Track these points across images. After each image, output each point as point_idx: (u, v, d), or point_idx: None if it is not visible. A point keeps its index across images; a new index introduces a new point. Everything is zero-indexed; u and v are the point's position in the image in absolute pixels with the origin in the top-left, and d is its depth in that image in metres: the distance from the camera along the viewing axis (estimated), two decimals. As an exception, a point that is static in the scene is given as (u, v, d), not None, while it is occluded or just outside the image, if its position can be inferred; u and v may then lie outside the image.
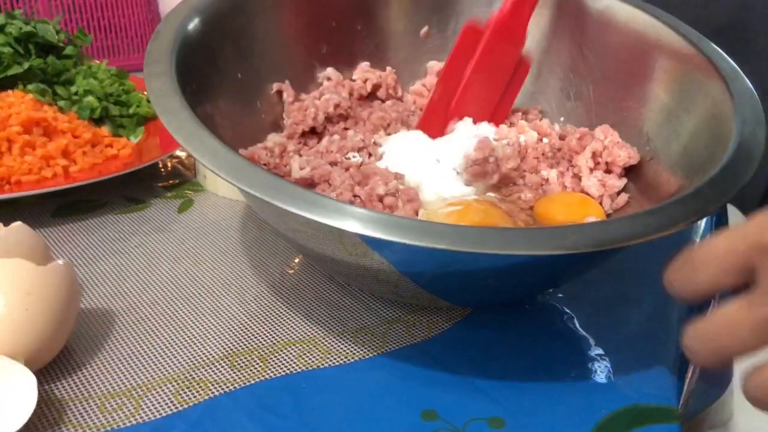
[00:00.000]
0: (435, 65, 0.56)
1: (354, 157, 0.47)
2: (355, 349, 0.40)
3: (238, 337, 0.40)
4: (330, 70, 0.54)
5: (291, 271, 0.47)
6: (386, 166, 0.47)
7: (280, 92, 0.52)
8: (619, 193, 0.48)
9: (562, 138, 0.51)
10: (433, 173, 0.47)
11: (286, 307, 0.43)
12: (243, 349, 0.39)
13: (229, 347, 0.39)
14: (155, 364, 0.38)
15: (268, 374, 0.37)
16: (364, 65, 0.55)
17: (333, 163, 0.47)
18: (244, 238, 0.51)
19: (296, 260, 0.48)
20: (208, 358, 0.38)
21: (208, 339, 0.40)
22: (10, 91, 0.59)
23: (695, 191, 0.36)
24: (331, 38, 0.54)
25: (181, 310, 0.42)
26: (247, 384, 0.37)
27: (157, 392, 0.36)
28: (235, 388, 0.36)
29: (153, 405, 0.35)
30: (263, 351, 0.39)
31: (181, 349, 0.39)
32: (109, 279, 0.45)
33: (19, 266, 0.34)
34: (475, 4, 0.55)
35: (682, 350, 0.32)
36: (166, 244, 0.50)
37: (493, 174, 0.46)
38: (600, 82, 0.52)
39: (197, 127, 0.36)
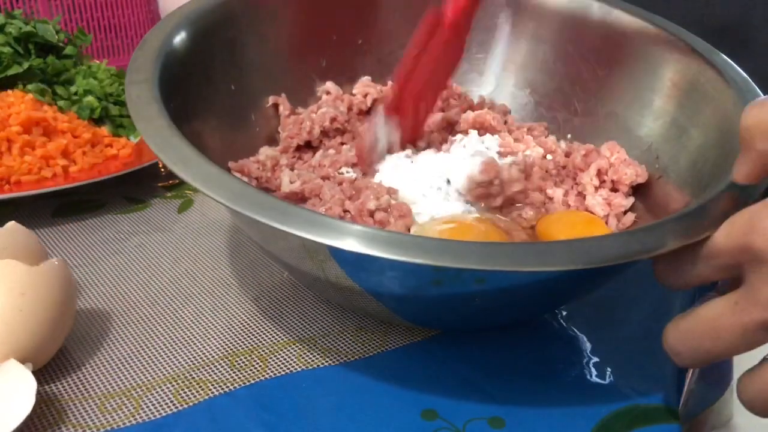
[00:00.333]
0: None
1: (347, 172, 0.46)
2: (355, 349, 0.40)
3: (238, 337, 0.40)
4: (329, 84, 0.53)
5: (291, 271, 0.47)
6: (380, 181, 0.45)
7: (276, 105, 0.51)
8: (625, 213, 0.46)
9: (567, 155, 0.49)
10: (431, 190, 0.45)
11: (286, 307, 0.43)
12: (243, 348, 0.39)
13: (229, 347, 0.39)
14: (155, 364, 0.38)
15: (267, 374, 0.37)
16: (365, 80, 0.54)
17: (325, 178, 0.46)
18: (244, 238, 0.51)
19: (296, 260, 0.48)
20: (207, 358, 0.38)
21: (208, 339, 0.40)
22: (9, 91, 0.59)
23: (696, 209, 0.33)
24: (332, 52, 0.53)
25: (181, 309, 0.42)
26: (247, 384, 0.37)
27: (157, 392, 0.36)
28: (235, 387, 0.36)
29: (153, 405, 0.35)
30: (263, 351, 0.39)
31: (180, 348, 0.39)
32: (109, 279, 0.45)
33: (12, 267, 0.34)
34: (480, 20, 0.53)
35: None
36: (165, 244, 0.50)
37: (497, 197, 0.45)
38: (607, 97, 0.51)
39: (173, 134, 0.35)
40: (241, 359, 0.38)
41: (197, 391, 0.36)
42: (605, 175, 0.47)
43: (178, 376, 0.37)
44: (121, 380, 0.36)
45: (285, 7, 0.51)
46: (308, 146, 0.50)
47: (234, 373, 0.37)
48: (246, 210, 0.30)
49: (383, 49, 0.54)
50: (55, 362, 0.37)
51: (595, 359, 0.40)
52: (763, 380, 0.30)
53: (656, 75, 0.48)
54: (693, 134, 0.44)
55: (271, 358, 0.39)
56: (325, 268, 0.35)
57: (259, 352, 0.39)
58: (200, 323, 0.41)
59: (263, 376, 0.37)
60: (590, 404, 0.36)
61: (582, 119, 0.52)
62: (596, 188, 0.47)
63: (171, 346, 0.39)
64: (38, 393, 0.32)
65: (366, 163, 0.47)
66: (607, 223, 0.46)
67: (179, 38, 0.43)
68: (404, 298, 0.36)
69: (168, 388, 0.36)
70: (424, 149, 0.49)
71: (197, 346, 0.39)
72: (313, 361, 0.39)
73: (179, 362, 0.38)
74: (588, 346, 0.41)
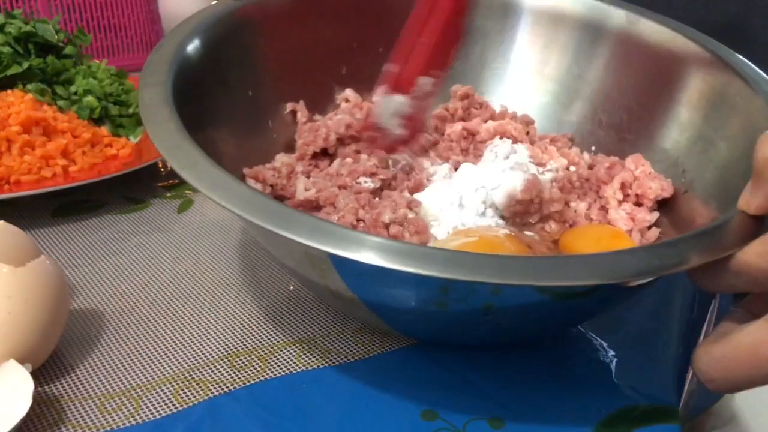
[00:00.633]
0: (459, 89, 0.54)
1: (366, 182, 0.45)
2: (355, 350, 0.39)
3: (237, 337, 0.40)
4: (348, 92, 0.52)
5: (291, 271, 0.47)
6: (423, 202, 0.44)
7: (294, 112, 0.51)
8: (650, 228, 0.45)
9: (591, 167, 0.48)
10: (464, 203, 0.43)
11: (286, 307, 0.43)
12: (243, 349, 0.39)
13: (228, 347, 0.39)
14: (155, 364, 0.38)
15: (267, 374, 0.37)
16: (384, 88, 0.52)
17: (342, 187, 0.45)
18: (244, 238, 0.51)
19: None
20: (207, 358, 0.38)
21: (208, 339, 0.40)
22: (9, 91, 0.59)
23: (720, 224, 0.32)
24: (352, 59, 0.53)
25: (181, 310, 0.42)
26: (247, 384, 0.37)
27: (157, 392, 0.36)
28: (234, 388, 0.36)
29: (153, 405, 0.35)
30: (263, 351, 0.39)
31: (180, 349, 0.39)
32: (108, 279, 0.45)
33: None
34: (493, 29, 0.54)
35: (691, 362, 0.31)
36: (165, 244, 0.50)
37: (535, 214, 0.44)
38: (633, 109, 0.49)
39: (182, 138, 0.34)
40: (241, 359, 0.38)
41: (197, 392, 0.36)
42: (629, 189, 0.46)
43: (178, 376, 0.37)
44: (120, 380, 0.36)
45: (304, 14, 0.51)
46: (325, 154, 0.49)
47: (234, 373, 0.37)
48: (254, 218, 0.30)
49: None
50: (54, 362, 0.37)
51: (596, 359, 0.40)
52: (722, 351, 0.29)
53: (683, 86, 0.47)
54: (720, 147, 0.42)
55: (271, 358, 0.39)
56: (327, 277, 0.34)
57: (259, 353, 0.39)
58: (200, 323, 0.41)
59: (263, 376, 0.37)
60: (591, 404, 0.36)
61: (606, 131, 0.51)
62: (620, 202, 0.46)
63: (171, 346, 0.39)
64: (37, 393, 0.32)
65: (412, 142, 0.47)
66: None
67: (195, 44, 0.43)
68: (410, 314, 0.35)
69: (168, 388, 0.36)
70: (453, 160, 0.48)
71: (197, 346, 0.39)
72: (313, 361, 0.38)
73: (179, 362, 0.38)
74: (588, 346, 0.41)
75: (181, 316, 0.42)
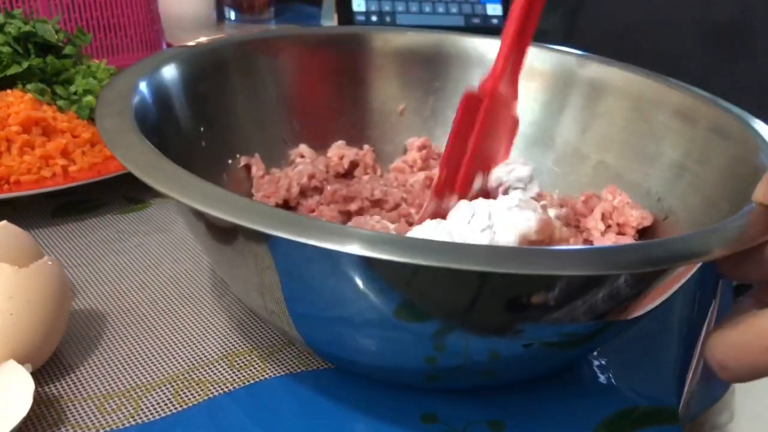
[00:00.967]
0: (415, 141, 0.53)
1: None
2: (354, 350, 0.39)
3: (237, 337, 0.40)
4: (303, 147, 0.51)
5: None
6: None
7: (248, 166, 0.49)
8: None
9: (561, 206, 0.47)
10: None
11: (286, 307, 0.43)
12: (242, 349, 0.39)
13: (228, 347, 0.39)
14: (154, 365, 0.38)
15: (267, 374, 0.37)
16: (340, 143, 0.52)
17: None
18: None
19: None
20: (207, 358, 0.38)
21: (208, 339, 0.40)
22: (9, 91, 0.59)
23: (731, 220, 0.31)
24: (305, 114, 0.51)
25: (181, 310, 0.42)
26: (247, 384, 0.37)
27: (157, 393, 0.36)
28: (234, 388, 0.36)
29: (152, 405, 0.35)
30: (262, 351, 0.39)
31: (180, 349, 0.39)
32: (108, 279, 0.45)
33: None
34: (452, 80, 0.54)
35: (692, 360, 0.31)
36: (165, 244, 0.50)
37: None
38: (594, 150, 0.49)
39: (157, 157, 0.33)
40: (240, 359, 0.38)
41: (197, 392, 0.36)
42: (610, 219, 0.45)
43: (178, 376, 0.37)
44: (120, 381, 0.36)
45: (256, 69, 0.50)
46: (286, 206, 0.47)
47: (233, 373, 0.37)
48: (262, 226, 0.27)
49: (357, 111, 0.52)
50: (54, 363, 0.37)
51: (595, 361, 0.40)
52: (739, 337, 0.28)
53: (645, 120, 0.47)
54: (698, 170, 0.42)
55: (270, 358, 0.39)
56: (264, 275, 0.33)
57: (258, 353, 0.39)
58: (200, 323, 0.41)
59: (263, 376, 0.37)
60: (590, 406, 0.36)
61: (567, 175, 0.50)
62: (602, 233, 0.45)
63: (170, 346, 0.39)
64: (37, 394, 0.32)
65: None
66: None
67: (150, 84, 0.41)
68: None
69: (167, 388, 0.36)
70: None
71: (197, 346, 0.39)
72: (313, 362, 0.38)
73: (179, 362, 0.38)
74: (588, 346, 0.41)
75: (180, 316, 0.42)
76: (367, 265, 0.28)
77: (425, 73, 0.54)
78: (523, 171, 0.46)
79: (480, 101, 0.45)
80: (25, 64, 0.61)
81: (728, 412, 0.46)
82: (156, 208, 0.55)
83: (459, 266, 0.25)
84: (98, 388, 0.36)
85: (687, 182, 0.43)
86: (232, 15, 1.21)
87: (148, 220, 0.53)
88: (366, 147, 0.53)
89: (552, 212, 0.44)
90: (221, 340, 0.40)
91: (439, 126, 0.53)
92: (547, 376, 0.38)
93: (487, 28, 0.93)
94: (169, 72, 0.43)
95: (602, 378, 0.39)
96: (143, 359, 0.38)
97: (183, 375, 0.37)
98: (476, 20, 0.94)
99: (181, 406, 0.35)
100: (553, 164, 0.51)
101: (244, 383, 0.37)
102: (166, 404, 0.35)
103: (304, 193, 0.48)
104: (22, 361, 0.33)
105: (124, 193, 0.56)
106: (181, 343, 0.39)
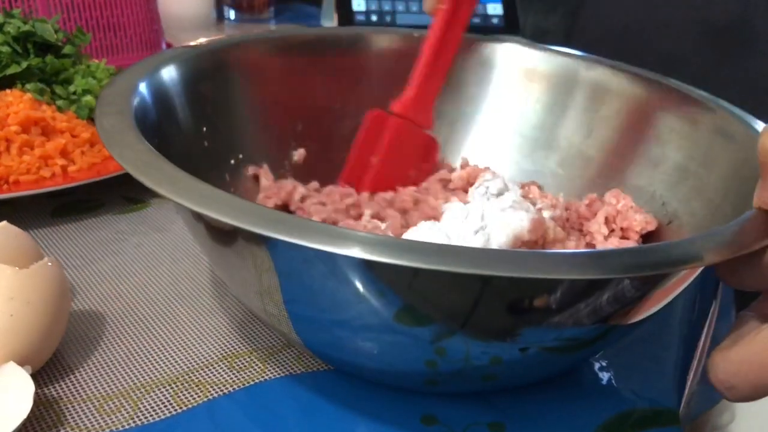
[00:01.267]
0: None
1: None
2: (354, 351, 0.39)
3: (237, 339, 0.40)
4: (302, 151, 0.51)
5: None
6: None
7: (256, 176, 0.48)
8: None
9: (567, 209, 0.47)
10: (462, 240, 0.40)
11: (286, 308, 0.43)
12: (242, 350, 0.39)
13: (228, 348, 0.39)
14: (154, 366, 0.38)
15: (267, 376, 0.37)
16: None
17: None
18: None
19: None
20: (207, 360, 0.38)
21: (207, 340, 0.40)
22: (8, 91, 0.59)
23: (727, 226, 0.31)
24: (308, 114, 0.51)
25: (180, 310, 0.42)
26: (247, 385, 0.37)
27: (156, 394, 0.36)
28: (234, 389, 0.36)
29: (152, 407, 0.35)
30: (262, 352, 0.39)
31: (179, 350, 0.39)
32: (107, 279, 0.45)
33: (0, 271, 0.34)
34: (457, 82, 0.53)
35: (693, 362, 0.30)
36: (165, 244, 0.49)
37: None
38: (600, 153, 0.49)
39: (155, 157, 0.32)
40: (240, 361, 0.38)
41: (196, 393, 0.36)
42: (613, 223, 0.45)
43: (177, 377, 0.37)
44: (119, 382, 0.36)
45: (259, 68, 0.50)
46: (285, 210, 0.47)
47: (233, 374, 0.37)
48: (261, 228, 0.27)
49: (360, 114, 0.51)
50: (53, 364, 0.37)
51: (596, 363, 0.40)
52: (741, 355, 0.27)
53: (651, 124, 0.47)
54: (702, 174, 0.42)
55: (270, 359, 0.39)
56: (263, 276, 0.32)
57: (258, 354, 0.39)
58: (199, 324, 0.41)
59: (263, 377, 0.37)
60: (591, 408, 0.36)
61: (572, 178, 0.50)
62: (605, 237, 0.45)
63: (170, 347, 0.39)
64: (36, 395, 0.32)
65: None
66: None
67: (150, 83, 0.41)
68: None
69: (167, 390, 0.36)
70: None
71: (196, 347, 0.39)
72: (312, 364, 0.38)
73: (178, 364, 0.38)
74: (588, 348, 0.41)
75: (180, 317, 0.42)
76: (366, 267, 0.28)
77: None
78: (496, 183, 0.45)
79: (387, 121, 0.47)
80: (25, 64, 0.61)
81: (729, 412, 0.46)
82: (155, 208, 0.55)
83: (447, 268, 0.25)
84: (98, 390, 0.36)
85: (691, 186, 0.43)
86: (232, 15, 1.21)
87: (147, 220, 0.53)
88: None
89: (547, 213, 0.43)
90: (221, 341, 0.40)
91: (444, 126, 0.53)
92: (548, 379, 0.38)
93: (487, 28, 0.93)
94: (170, 72, 0.43)
95: (602, 380, 0.39)
96: (143, 360, 0.38)
97: (183, 376, 0.37)
98: (476, 20, 0.94)
99: (180, 408, 0.35)
100: (557, 167, 0.51)
101: (243, 385, 0.37)
102: (165, 405, 0.35)
103: (304, 199, 0.47)
104: (22, 363, 0.33)
105: (123, 193, 0.56)
106: (180, 344, 0.39)
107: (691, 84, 0.47)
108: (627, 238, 0.44)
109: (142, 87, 0.40)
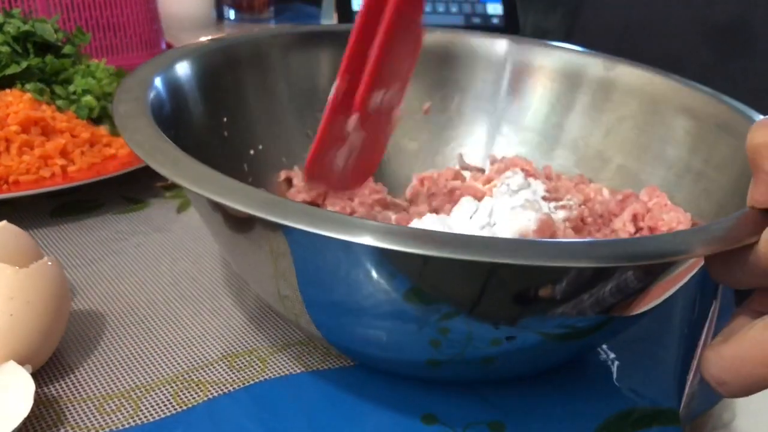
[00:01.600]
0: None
1: None
2: (355, 351, 0.39)
3: (237, 338, 0.40)
4: None
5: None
6: None
7: (288, 180, 0.49)
8: None
9: (600, 203, 0.46)
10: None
11: (286, 307, 0.43)
12: (242, 350, 0.39)
13: (228, 348, 0.39)
14: (154, 366, 0.38)
15: (267, 375, 0.37)
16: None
17: None
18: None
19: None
20: (207, 359, 0.38)
21: (207, 340, 0.40)
22: (8, 91, 0.59)
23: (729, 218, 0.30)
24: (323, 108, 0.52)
25: (180, 310, 0.42)
26: (247, 385, 0.37)
27: (156, 393, 0.36)
28: (234, 389, 0.36)
29: (152, 406, 0.35)
30: (262, 352, 0.39)
31: (180, 350, 0.39)
32: (107, 279, 0.45)
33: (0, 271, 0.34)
34: (473, 78, 0.54)
35: (693, 361, 0.31)
36: (164, 244, 0.49)
37: None
38: (616, 153, 0.49)
39: (162, 141, 0.33)
40: (240, 360, 0.38)
41: (196, 393, 0.36)
42: (641, 221, 0.44)
43: (178, 377, 0.37)
44: (120, 382, 0.36)
45: (281, 58, 0.50)
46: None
47: (233, 374, 0.37)
48: (275, 217, 0.28)
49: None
50: (53, 364, 0.37)
51: (595, 362, 0.40)
52: (733, 351, 0.27)
53: (666, 125, 0.47)
54: (712, 175, 0.42)
55: (270, 359, 0.39)
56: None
57: (258, 354, 0.39)
58: (199, 324, 0.41)
59: (263, 377, 0.37)
60: (591, 407, 0.36)
61: (590, 172, 0.50)
62: (631, 235, 0.44)
63: (170, 347, 0.39)
64: (36, 395, 0.32)
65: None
66: None
67: (174, 73, 0.42)
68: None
69: (167, 389, 0.36)
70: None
71: (196, 347, 0.39)
72: (313, 363, 0.38)
73: (178, 363, 0.38)
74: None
75: (180, 316, 0.42)
76: (378, 254, 0.29)
77: (449, 72, 0.54)
78: (517, 180, 0.45)
79: (384, 3, 0.40)
80: (24, 64, 0.61)
81: (730, 411, 0.46)
82: (155, 208, 0.55)
83: (446, 255, 0.26)
84: (98, 389, 0.36)
85: (702, 188, 0.43)
86: (232, 14, 1.21)
87: (147, 220, 0.53)
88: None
89: (561, 214, 0.43)
90: (221, 340, 0.40)
91: (463, 124, 0.53)
92: (547, 373, 0.38)
93: (487, 28, 0.93)
94: (185, 67, 0.44)
95: (603, 379, 0.39)
96: (143, 360, 0.38)
97: (183, 376, 0.37)
98: (476, 19, 0.94)
99: (180, 407, 0.35)
100: (574, 166, 0.51)
101: (243, 384, 0.37)
102: (165, 405, 0.35)
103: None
104: (22, 362, 0.33)
105: (123, 193, 0.56)
106: (180, 343, 0.39)
107: None
108: None
109: (158, 81, 0.40)
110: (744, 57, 0.67)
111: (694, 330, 0.45)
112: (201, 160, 0.31)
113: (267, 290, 0.36)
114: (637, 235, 0.44)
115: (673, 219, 0.42)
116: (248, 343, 0.40)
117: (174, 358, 0.38)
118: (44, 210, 0.53)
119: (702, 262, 0.32)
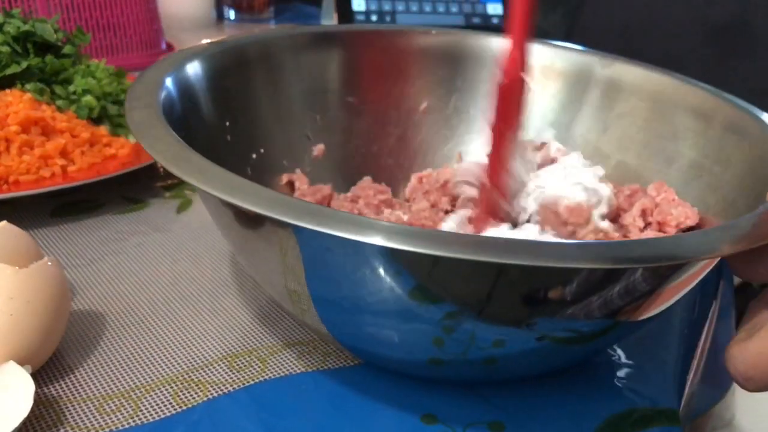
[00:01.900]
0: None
1: None
2: (355, 351, 0.39)
3: (237, 338, 0.40)
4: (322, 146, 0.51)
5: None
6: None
7: (291, 183, 0.49)
8: None
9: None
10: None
11: (286, 307, 0.43)
12: (242, 350, 0.39)
13: (228, 348, 0.39)
14: (154, 366, 0.38)
15: (267, 375, 0.37)
16: (366, 180, 0.51)
17: None
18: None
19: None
20: (207, 359, 0.38)
21: (207, 340, 0.40)
22: (8, 91, 0.59)
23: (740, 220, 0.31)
24: (328, 109, 0.52)
25: (180, 310, 0.42)
26: (247, 385, 0.37)
27: (156, 394, 0.36)
28: (234, 389, 0.36)
29: (152, 406, 0.35)
30: (262, 352, 0.39)
31: (179, 350, 0.39)
32: (107, 279, 0.45)
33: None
34: (473, 78, 0.54)
35: (693, 361, 0.30)
36: (164, 244, 0.49)
37: (569, 234, 0.41)
38: (623, 148, 0.49)
39: (183, 148, 0.33)
40: (240, 360, 0.38)
41: (196, 393, 0.36)
42: (650, 216, 0.44)
43: (177, 377, 0.37)
44: (119, 382, 0.36)
45: (281, 63, 0.50)
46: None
47: (233, 374, 0.37)
48: (284, 216, 0.28)
49: (379, 109, 0.52)
50: (53, 364, 0.37)
51: (596, 362, 0.40)
52: (759, 346, 0.28)
53: (667, 121, 0.47)
54: (716, 170, 0.42)
55: (270, 359, 0.39)
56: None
57: (258, 354, 0.39)
58: (199, 324, 0.41)
59: (263, 377, 0.37)
60: (591, 407, 0.36)
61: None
62: (641, 230, 0.44)
63: (170, 347, 0.39)
64: (36, 395, 0.32)
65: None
66: None
67: (181, 76, 0.42)
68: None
69: (167, 389, 0.36)
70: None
71: (196, 347, 0.39)
72: (312, 363, 0.38)
73: (178, 363, 0.38)
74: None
75: (180, 317, 0.42)
76: (385, 253, 0.29)
77: (448, 72, 0.54)
78: (577, 158, 0.45)
79: (518, 85, 0.41)
80: (24, 64, 0.61)
81: (729, 412, 0.46)
82: (155, 208, 0.55)
83: (455, 255, 0.26)
84: (98, 389, 0.36)
85: (706, 183, 0.43)
86: (232, 15, 1.21)
87: (147, 220, 0.53)
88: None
89: (603, 208, 0.42)
90: (221, 340, 0.40)
91: (462, 124, 0.53)
92: (549, 375, 0.38)
93: (487, 28, 0.93)
94: (194, 68, 0.44)
95: (603, 379, 0.39)
96: (143, 360, 0.38)
97: (183, 376, 0.37)
98: (476, 19, 0.94)
99: (180, 407, 0.35)
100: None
101: (243, 384, 0.37)
102: (165, 405, 0.35)
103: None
104: (22, 362, 0.33)
105: (123, 193, 0.56)
106: (180, 343, 0.39)
107: None
108: (664, 233, 0.43)
109: (168, 82, 0.40)
110: (744, 57, 0.67)
111: (694, 330, 0.45)
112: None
113: (275, 286, 0.37)
114: (647, 230, 0.44)
115: (681, 214, 0.42)
116: (248, 343, 0.40)
117: (174, 358, 0.38)
118: (44, 210, 0.53)
119: (714, 262, 0.32)
